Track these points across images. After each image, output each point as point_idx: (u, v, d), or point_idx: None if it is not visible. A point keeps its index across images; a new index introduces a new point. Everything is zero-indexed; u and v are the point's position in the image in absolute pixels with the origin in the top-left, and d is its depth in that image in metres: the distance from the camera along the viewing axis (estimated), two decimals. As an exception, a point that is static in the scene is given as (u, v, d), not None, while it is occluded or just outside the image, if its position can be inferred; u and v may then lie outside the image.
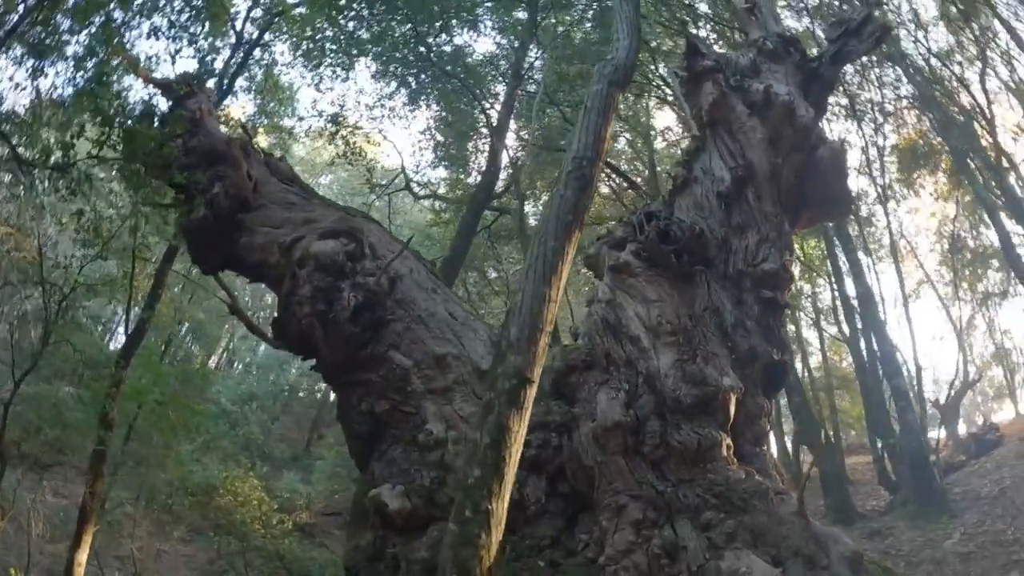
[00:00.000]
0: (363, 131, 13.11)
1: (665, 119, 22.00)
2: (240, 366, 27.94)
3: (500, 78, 11.88)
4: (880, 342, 12.61)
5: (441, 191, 15.64)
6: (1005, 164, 16.56)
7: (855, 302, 14.93)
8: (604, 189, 19.25)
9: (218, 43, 12.88)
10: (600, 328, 5.73)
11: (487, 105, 13.49)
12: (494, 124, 10.77)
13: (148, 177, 7.40)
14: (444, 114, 14.45)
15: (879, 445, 16.21)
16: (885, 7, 16.90)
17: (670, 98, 16.42)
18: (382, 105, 13.87)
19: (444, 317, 5.45)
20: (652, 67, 16.17)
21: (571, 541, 4.67)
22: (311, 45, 11.46)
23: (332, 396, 25.71)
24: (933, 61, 17.69)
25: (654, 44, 15.69)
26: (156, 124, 7.44)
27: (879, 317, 12.65)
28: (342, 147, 12.63)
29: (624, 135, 19.25)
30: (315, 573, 12.54)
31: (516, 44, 12.55)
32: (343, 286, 5.29)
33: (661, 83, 16.17)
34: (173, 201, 7.23)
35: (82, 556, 9.26)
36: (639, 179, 19.03)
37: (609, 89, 3.98)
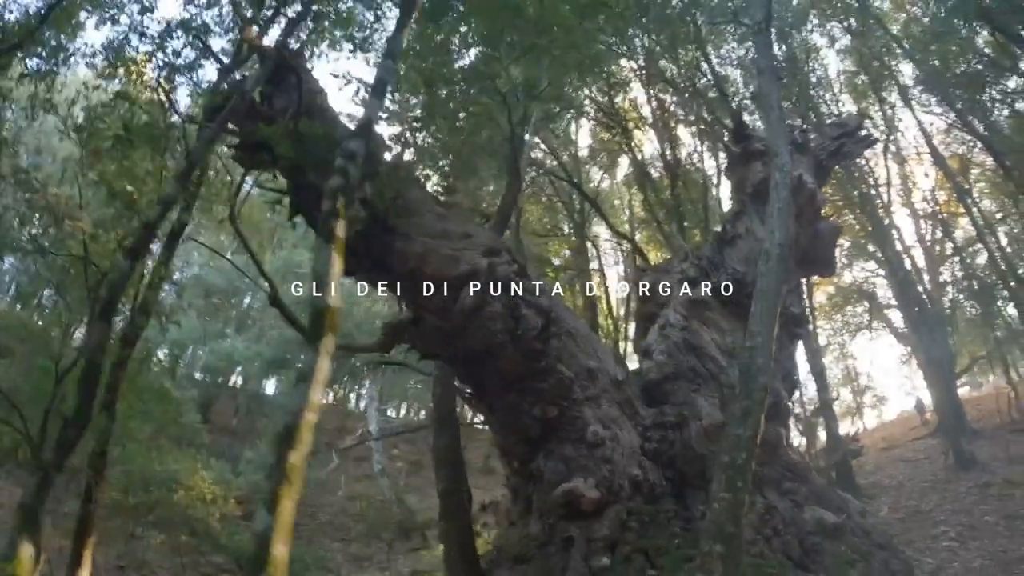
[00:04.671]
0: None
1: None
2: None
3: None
4: (812, 360, 16.47)
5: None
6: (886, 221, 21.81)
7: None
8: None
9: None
10: (681, 347, 8.11)
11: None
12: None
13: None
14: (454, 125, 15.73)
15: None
16: (807, 69, 21.39)
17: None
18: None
19: (586, 334, 7.34)
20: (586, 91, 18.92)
21: (686, 512, 6.77)
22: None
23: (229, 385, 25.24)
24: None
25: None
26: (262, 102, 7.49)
27: (811, 339, 16.50)
28: None
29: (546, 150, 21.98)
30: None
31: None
32: (519, 303, 6.82)
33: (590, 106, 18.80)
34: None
35: (84, 574, 9.21)
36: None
37: (792, 196, 6.30)
